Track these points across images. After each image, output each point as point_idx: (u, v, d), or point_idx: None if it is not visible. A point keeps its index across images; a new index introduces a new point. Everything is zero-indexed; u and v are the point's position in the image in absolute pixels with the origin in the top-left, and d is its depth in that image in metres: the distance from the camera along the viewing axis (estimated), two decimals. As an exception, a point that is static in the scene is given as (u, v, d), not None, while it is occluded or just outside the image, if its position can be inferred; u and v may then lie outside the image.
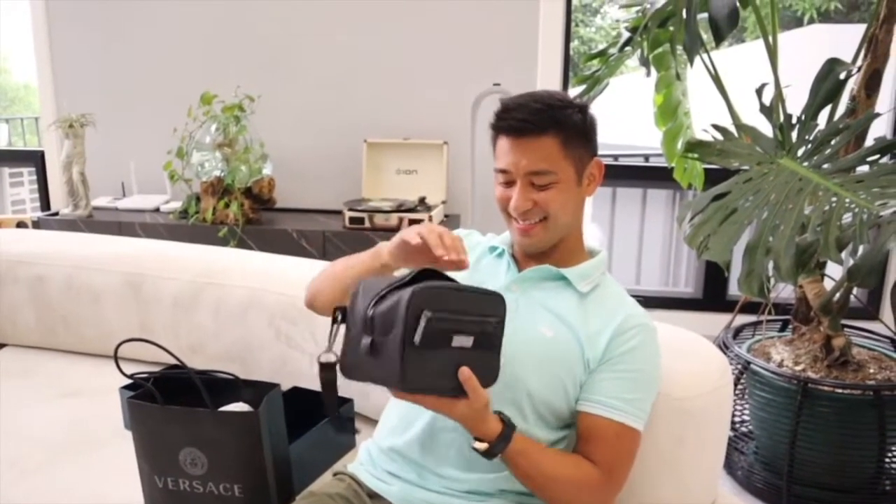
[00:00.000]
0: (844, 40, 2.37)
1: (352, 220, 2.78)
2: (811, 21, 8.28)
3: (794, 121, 1.91)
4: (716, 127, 1.93)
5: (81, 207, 3.05)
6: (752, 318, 2.47)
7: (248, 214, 2.89)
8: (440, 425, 1.21)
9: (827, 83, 1.86)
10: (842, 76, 1.86)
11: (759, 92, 1.91)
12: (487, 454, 1.11)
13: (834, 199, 1.67)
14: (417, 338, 1.00)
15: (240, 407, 1.32)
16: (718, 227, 1.76)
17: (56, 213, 3.12)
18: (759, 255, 1.69)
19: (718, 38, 1.88)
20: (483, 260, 1.36)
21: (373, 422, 1.51)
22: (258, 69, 3.15)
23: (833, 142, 1.84)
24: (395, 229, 2.73)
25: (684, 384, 1.30)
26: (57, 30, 3.37)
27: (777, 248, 1.66)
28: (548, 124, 1.18)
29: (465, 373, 1.05)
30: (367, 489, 1.27)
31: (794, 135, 1.90)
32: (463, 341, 1.06)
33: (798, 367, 2.12)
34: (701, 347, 1.42)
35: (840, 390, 2.02)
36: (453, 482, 1.20)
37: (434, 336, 1.01)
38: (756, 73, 2.08)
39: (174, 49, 3.26)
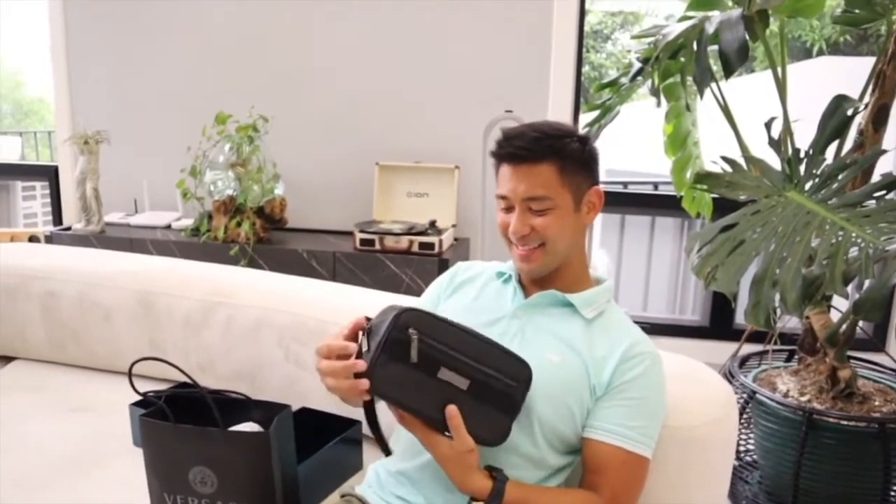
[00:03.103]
0: (853, 73, 2.40)
1: (362, 241, 2.81)
2: (820, 52, 8.33)
3: (802, 155, 1.93)
4: (725, 159, 1.95)
5: (94, 223, 3.08)
6: (758, 348, 2.48)
7: (260, 234, 2.92)
8: None
9: (834, 119, 1.88)
10: (849, 112, 1.88)
11: (767, 126, 1.93)
12: None
13: (841, 233, 1.69)
14: (385, 342, 1.08)
15: (250, 427, 1.34)
16: (726, 258, 1.78)
17: (68, 228, 3.16)
18: (766, 287, 1.70)
19: (728, 72, 1.90)
20: (489, 286, 1.38)
21: (380, 444, 1.52)
22: (272, 91, 3.20)
23: (840, 176, 1.86)
24: (405, 252, 2.75)
25: (689, 413, 1.31)
26: (74, 47, 3.42)
27: (784, 280, 1.67)
28: (545, 152, 1.22)
29: (451, 410, 1.08)
30: (373, 511, 1.29)
31: (802, 168, 1.92)
32: (454, 378, 1.09)
33: (803, 398, 2.12)
34: (706, 376, 1.43)
35: (845, 422, 2.02)
36: (461, 506, 1.21)
37: (400, 350, 1.08)
38: (766, 103, 2.10)
39: (190, 69, 3.31)
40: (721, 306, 3.13)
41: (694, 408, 1.33)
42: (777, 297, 1.69)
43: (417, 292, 1.64)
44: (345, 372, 1.09)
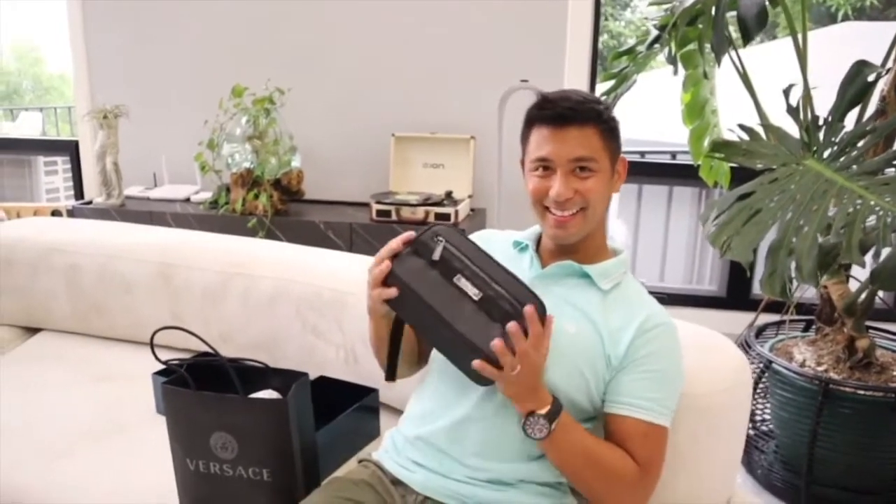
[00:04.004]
0: (879, 38, 2.35)
1: (379, 212, 2.82)
2: (846, 17, 8.16)
3: (820, 122, 1.91)
4: (742, 127, 1.93)
5: (114, 197, 3.12)
6: (775, 318, 2.47)
7: (277, 206, 2.94)
8: (469, 417, 1.24)
9: (854, 86, 1.85)
10: (870, 78, 1.85)
11: (786, 93, 1.91)
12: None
13: (859, 201, 1.67)
14: (415, 241, 1.18)
15: (269, 394, 1.36)
16: (742, 227, 1.77)
17: (90, 202, 3.20)
18: (782, 256, 1.69)
19: (746, 38, 1.88)
20: (505, 255, 1.38)
21: (398, 411, 1.54)
22: (288, 63, 3.20)
23: (860, 144, 1.84)
24: (421, 222, 2.76)
25: (700, 381, 1.32)
26: (91, 22, 3.43)
27: (800, 249, 1.66)
28: (589, 114, 1.22)
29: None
30: (390, 476, 1.31)
31: (821, 136, 1.90)
32: (468, 287, 1.16)
33: (820, 368, 2.12)
34: (719, 345, 1.43)
35: (862, 392, 2.02)
36: (476, 471, 1.23)
37: (425, 250, 1.17)
38: (789, 70, 2.06)
39: (206, 43, 3.31)
40: (738, 276, 3.12)
41: (706, 376, 1.33)
42: (793, 266, 1.68)
43: (433, 262, 1.65)
44: (382, 276, 1.18)
